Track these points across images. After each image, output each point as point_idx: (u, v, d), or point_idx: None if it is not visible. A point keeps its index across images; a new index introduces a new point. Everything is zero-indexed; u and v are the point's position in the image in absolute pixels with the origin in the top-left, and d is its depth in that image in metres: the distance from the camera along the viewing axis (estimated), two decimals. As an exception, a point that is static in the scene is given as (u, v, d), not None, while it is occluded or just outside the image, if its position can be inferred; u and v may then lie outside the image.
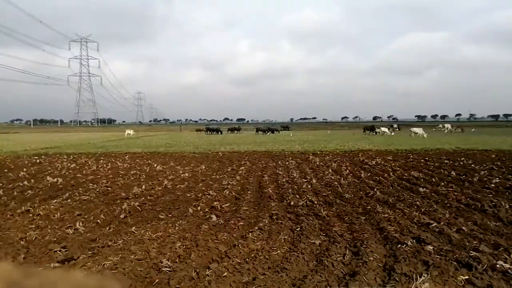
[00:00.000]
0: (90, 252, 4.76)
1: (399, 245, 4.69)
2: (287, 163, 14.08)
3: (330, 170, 11.78)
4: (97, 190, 9.01)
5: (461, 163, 13.06)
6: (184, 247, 4.86)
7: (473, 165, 12.31)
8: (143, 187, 9.23)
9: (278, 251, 4.70)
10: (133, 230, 5.65)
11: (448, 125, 50.17)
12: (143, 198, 7.94)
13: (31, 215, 6.74)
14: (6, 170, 12.67)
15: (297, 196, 7.97)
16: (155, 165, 13.70)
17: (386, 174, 10.80)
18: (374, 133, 40.70)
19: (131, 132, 44.41)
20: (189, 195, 8.32)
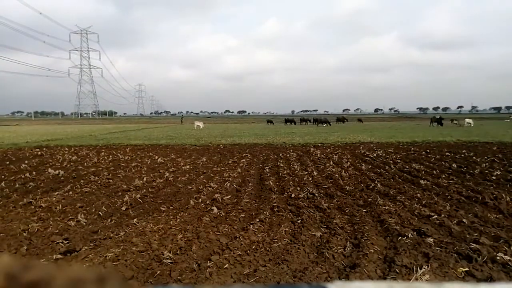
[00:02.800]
0: (92, 244, 4.79)
1: (400, 237, 4.70)
2: (288, 155, 14.08)
3: (331, 163, 11.77)
4: (99, 182, 9.04)
5: (462, 155, 13.03)
6: (186, 239, 4.89)
7: (474, 157, 12.28)
8: (144, 179, 9.25)
9: (279, 243, 4.72)
10: (134, 222, 5.68)
11: None
12: (144, 190, 7.97)
13: (33, 207, 6.77)
14: (7, 162, 12.70)
15: (298, 188, 7.98)
16: (156, 157, 13.72)
17: (387, 167, 10.79)
18: (440, 125, 36.47)
19: (200, 124, 38.53)
20: (190, 187, 8.33)
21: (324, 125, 41.99)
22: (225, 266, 3.99)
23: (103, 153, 15.32)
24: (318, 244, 4.70)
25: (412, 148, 15.78)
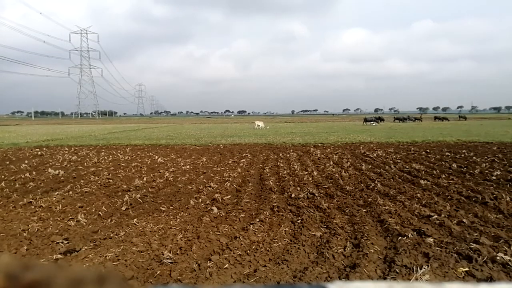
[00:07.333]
0: (92, 244, 4.79)
1: (400, 237, 4.70)
2: (288, 155, 14.08)
3: (331, 162, 11.77)
4: (99, 182, 9.03)
5: (463, 155, 13.03)
6: (186, 239, 4.89)
7: (474, 157, 12.28)
8: (145, 179, 9.25)
9: (279, 243, 4.72)
10: (134, 222, 5.68)
11: None
12: (144, 190, 7.96)
13: (33, 207, 6.77)
14: (7, 162, 12.70)
15: (298, 188, 7.98)
16: (156, 157, 13.72)
17: (387, 167, 10.79)
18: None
19: (261, 124, 34.82)
20: (190, 187, 8.33)
21: (401, 121, 50.97)
22: (225, 266, 3.99)
23: (103, 153, 15.31)
24: (318, 244, 4.70)
25: (412, 148, 15.78)
